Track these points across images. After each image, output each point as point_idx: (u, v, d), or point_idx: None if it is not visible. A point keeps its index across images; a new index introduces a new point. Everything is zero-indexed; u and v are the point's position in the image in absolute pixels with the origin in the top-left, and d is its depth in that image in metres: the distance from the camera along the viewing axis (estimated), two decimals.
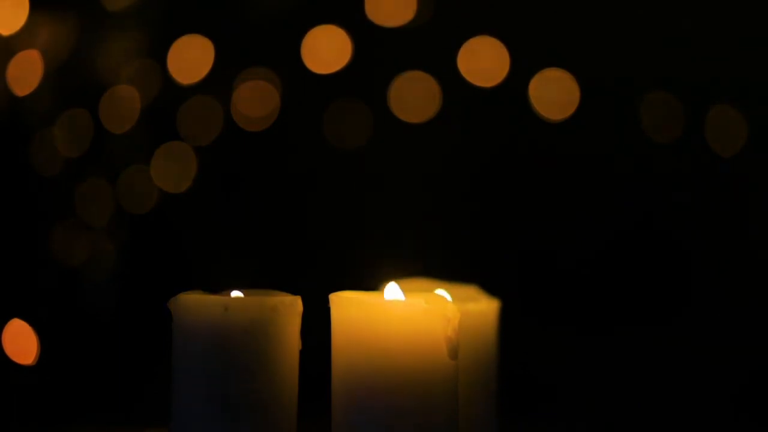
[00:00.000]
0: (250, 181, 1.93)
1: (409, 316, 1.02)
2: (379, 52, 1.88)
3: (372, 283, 1.19)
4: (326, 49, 1.88)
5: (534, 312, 1.87)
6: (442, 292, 1.19)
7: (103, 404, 1.81)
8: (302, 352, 1.08)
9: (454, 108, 1.87)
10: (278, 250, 1.91)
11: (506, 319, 1.24)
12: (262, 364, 1.05)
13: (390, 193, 1.90)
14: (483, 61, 1.86)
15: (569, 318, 1.88)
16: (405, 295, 1.06)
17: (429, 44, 1.87)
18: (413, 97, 1.87)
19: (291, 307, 1.07)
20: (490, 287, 1.25)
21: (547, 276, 1.90)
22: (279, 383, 1.06)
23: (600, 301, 1.88)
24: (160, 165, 1.88)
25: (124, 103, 1.87)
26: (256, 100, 1.89)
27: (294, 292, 1.09)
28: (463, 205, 1.91)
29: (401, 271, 1.22)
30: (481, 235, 1.91)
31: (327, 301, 1.05)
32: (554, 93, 1.85)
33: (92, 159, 1.86)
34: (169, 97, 1.88)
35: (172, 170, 1.89)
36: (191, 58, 1.88)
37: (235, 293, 1.10)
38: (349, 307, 1.03)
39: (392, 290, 1.07)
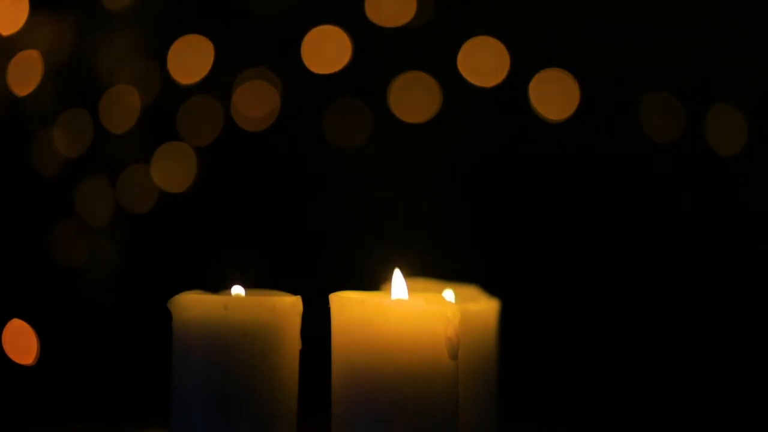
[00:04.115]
0: (250, 181, 1.93)
1: (409, 316, 1.02)
2: (379, 52, 1.88)
3: (372, 282, 1.19)
4: (326, 49, 1.88)
5: (534, 312, 1.86)
6: (448, 292, 1.20)
7: (103, 404, 1.81)
8: (302, 352, 1.08)
9: (454, 108, 1.87)
10: (278, 250, 1.91)
11: (506, 319, 1.24)
12: (262, 364, 1.05)
13: (390, 192, 1.90)
14: (483, 61, 1.86)
15: (569, 318, 1.88)
16: (406, 294, 1.06)
17: (429, 44, 1.87)
18: (413, 97, 1.87)
19: (291, 307, 1.07)
20: (490, 287, 1.25)
21: (547, 276, 1.90)
22: (279, 383, 1.06)
23: (600, 301, 1.88)
24: (160, 165, 1.88)
25: (124, 103, 1.87)
26: (256, 100, 1.89)
27: (294, 292, 1.09)
28: (464, 205, 1.91)
29: (400, 271, 1.22)
30: (481, 235, 1.91)
31: (327, 301, 1.05)
32: (554, 93, 1.85)
33: (92, 159, 1.86)
34: (169, 97, 1.88)
35: (172, 170, 1.89)
36: (191, 58, 1.88)
37: (237, 288, 1.10)
38: (349, 307, 1.03)
39: (397, 279, 1.07)
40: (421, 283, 1.23)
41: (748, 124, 1.83)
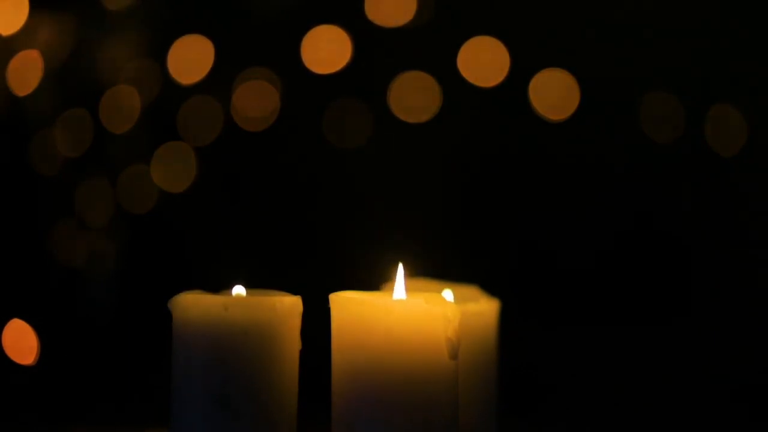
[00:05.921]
0: (250, 181, 1.93)
1: (409, 316, 1.02)
2: (379, 52, 1.88)
3: (372, 282, 1.19)
4: (326, 49, 1.88)
5: (534, 312, 1.87)
6: (447, 293, 1.20)
7: (102, 404, 1.81)
8: (302, 352, 1.08)
9: (454, 108, 1.87)
10: (278, 250, 1.91)
11: (506, 319, 1.24)
12: (262, 364, 1.05)
13: (390, 192, 1.90)
14: (483, 61, 1.86)
15: (569, 318, 1.88)
16: (405, 294, 1.06)
17: (429, 44, 1.87)
18: (413, 97, 1.88)
19: (291, 307, 1.07)
20: (490, 287, 1.25)
21: (547, 276, 1.90)
22: (279, 383, 1.06)
23: (600, 301, 1.88)
24: (160, 165, 1.88)
25: (124, 103, 1.87)
26: (256, 100, 1.89)
27: (294, 292, 1.09)
28: (463, 205, 1.91)
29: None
30: (481, 235, 1.91)
31: (327, 301, 1.05)
32: (554, 93, 1.85)
33: (92, 159, 1.86)
34: (169, 97, 1.88)
35: (172, 170, 1.89)
36: (191, 58, 1.88)
37: (238, 288, 1.10)
38: (349, 307, 1.03)
39: (400, 275, 1.07)
40: (421, 283, 1.23)
41: (748, 124, 1.83)
